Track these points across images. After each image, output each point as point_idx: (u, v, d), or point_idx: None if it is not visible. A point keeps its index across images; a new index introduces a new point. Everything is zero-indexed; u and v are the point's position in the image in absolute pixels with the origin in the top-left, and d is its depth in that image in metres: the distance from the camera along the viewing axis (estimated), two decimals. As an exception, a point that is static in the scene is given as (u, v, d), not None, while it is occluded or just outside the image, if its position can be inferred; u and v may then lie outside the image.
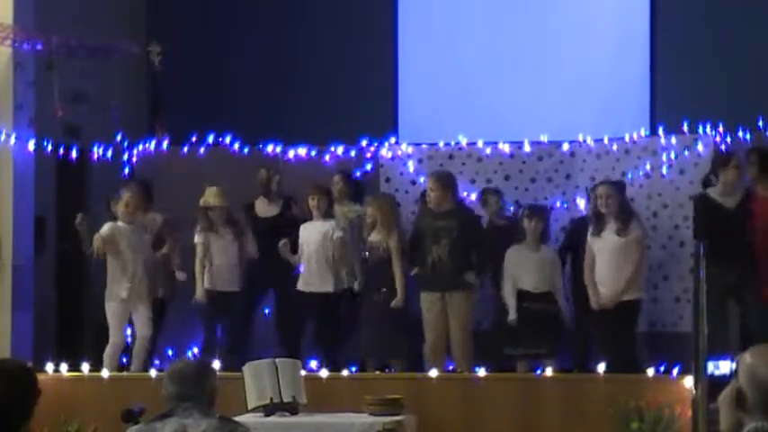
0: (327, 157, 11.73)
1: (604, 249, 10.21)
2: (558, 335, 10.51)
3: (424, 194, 11.18)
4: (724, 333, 9.83)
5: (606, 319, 10.17)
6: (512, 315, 10.49)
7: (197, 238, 10.88)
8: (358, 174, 11.74)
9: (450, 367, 10.26)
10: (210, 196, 10.86)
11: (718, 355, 9.51)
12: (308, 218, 11.00)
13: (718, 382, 8.90)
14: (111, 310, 10.60)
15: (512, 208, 11.28)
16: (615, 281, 10.16)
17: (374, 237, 10.64)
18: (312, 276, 10.83)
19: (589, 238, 10.31)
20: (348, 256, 10.89)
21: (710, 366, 9.49)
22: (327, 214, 10.92)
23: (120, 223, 10.66)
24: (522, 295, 10.54)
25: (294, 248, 10.95)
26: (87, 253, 10.96)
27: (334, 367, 10.11)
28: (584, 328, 10.74)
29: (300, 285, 10.88)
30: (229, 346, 10.78)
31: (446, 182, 10.57)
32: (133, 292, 10.55)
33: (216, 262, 10.86)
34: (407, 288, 10.74)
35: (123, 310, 10.59)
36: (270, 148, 11.81)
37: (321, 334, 10.83)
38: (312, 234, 10.87)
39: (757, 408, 3.29)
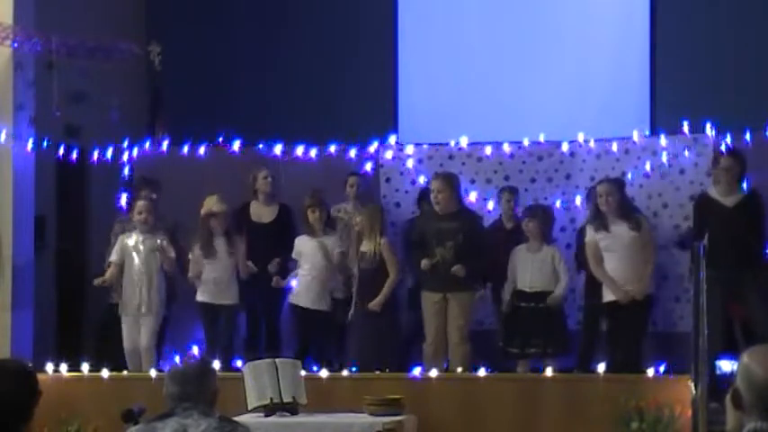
0: (327, 158, 11.72)
1: (616, 245, 10.22)
2: (556, 333, 10.50)
3: (422, 196, 11.21)
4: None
5: (621, 317, 10.18)
6: (504, 308, 10.56)
7: (191, 255, 10.76)
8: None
9: (445, 366, 10.25)
10: (212, 203, 10.76)
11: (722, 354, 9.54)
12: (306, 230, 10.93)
13: (720, 382, 8.95)
14: (125, 323, 10.66)
15: (518, 211, 11.26)
16: (634, 276, 10.18)
17: (364, 247, 10.60)
18: (308, 292, 10.76)
19: (591, 233, 10.31)
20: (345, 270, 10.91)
21: (723, 365, 9.54)
22: (327, 227, 10.86)
23: (130, 240, 10.68)
24: (518, 295, 10.58)
25: (284, 263, 10.92)
26: (95, 283, 10.88)
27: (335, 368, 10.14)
28: (590, 326, 10.75)
29: (294, 299, 10.82)
30: (227, 350, 10.73)
31: (452, 183, 10.59)
32: (143, 304, 10.59)
33: (212, 275, 10.69)
34: (399, 298, 10.73)
35: (135, 322, 10.62)
36: (270, 148, 11.80)
37: (317, 348, 10.81)
38: (310, 249, 10.80)
39: (753, 407, 3.29)
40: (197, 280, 10.75)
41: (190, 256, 10.76)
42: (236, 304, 10.77)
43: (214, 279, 10.69)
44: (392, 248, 10.59)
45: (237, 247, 10.74)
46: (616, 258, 10.22)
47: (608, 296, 10.27)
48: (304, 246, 10.83)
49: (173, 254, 10.67)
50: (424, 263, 10.38)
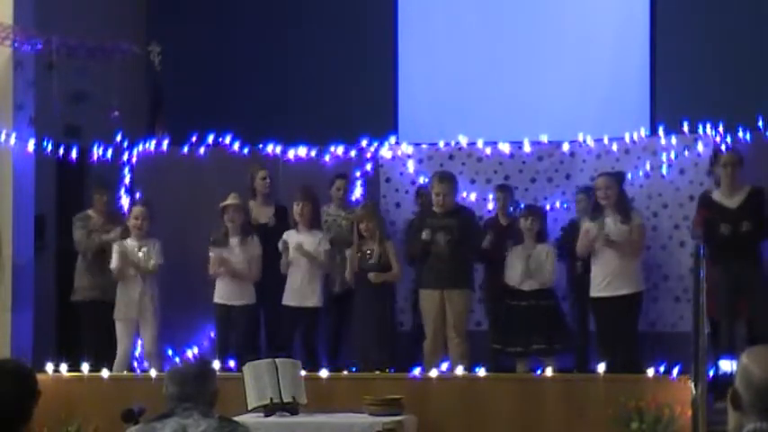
0: (327, 158, 11.73)
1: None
2: (553, 331, 10.51)
3: (419, 194, 11.25)
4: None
5: (606, 314, 10.20)
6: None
7: (211, 252, 10.78)
8: (358, 174, 11.72)
9: (445, 365, 10.23)
10: (228, 198, 10.81)
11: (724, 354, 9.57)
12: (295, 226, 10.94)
13: (722, 382, 8.95)
14: (120, 326, 10.66)
15: (511, 209, 11.28)
16: (621, 270, 10.19)
17: (369, 247, 10.60)
18: (297, 290, 10.75)
19: (587, 223, 10.36)
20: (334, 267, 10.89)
21: (725, 365, 9.57)
22: (314, 223, 10.85)
23: (128, 242, 10.68)
24: (514, 293, 10.59)
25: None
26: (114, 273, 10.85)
27: (334, 367, 10.12)
28: (584, 325, 10.79)
29: (286, 300, 10.82)
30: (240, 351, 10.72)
31: (453, 183, 10.63)
32: (142, 310, 10.58)
33: (227, 276, 10.72)
34: (400, 297, 10.73)
35: (132, 326, 10.64)
36: (270, 148, 11.80)
37: (310, 347, 10.81)
38: (292, 245, 10.75)
39: (752, 408, 3.28)
40: (218, 278, 10.76)
41: (210, 254, 10.77)
42: (252, 304, 10.79)
43: (228, 281, 10.69)
44: (396, 250, 10.58)
45: (249, 246, 10.76)
46: (601, 248, 10.24)
47: (595, 292, 10.30)
48: (288, 240, 10.85)
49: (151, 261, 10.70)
50: (426, 233, 10.37)
